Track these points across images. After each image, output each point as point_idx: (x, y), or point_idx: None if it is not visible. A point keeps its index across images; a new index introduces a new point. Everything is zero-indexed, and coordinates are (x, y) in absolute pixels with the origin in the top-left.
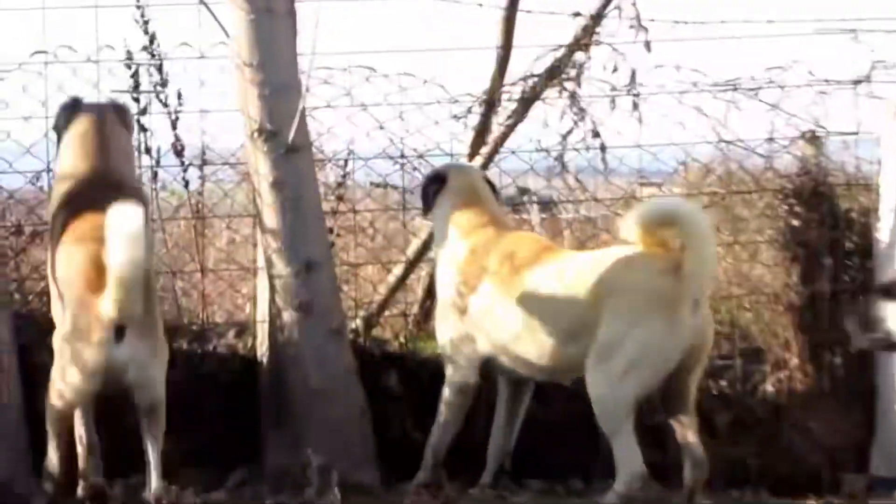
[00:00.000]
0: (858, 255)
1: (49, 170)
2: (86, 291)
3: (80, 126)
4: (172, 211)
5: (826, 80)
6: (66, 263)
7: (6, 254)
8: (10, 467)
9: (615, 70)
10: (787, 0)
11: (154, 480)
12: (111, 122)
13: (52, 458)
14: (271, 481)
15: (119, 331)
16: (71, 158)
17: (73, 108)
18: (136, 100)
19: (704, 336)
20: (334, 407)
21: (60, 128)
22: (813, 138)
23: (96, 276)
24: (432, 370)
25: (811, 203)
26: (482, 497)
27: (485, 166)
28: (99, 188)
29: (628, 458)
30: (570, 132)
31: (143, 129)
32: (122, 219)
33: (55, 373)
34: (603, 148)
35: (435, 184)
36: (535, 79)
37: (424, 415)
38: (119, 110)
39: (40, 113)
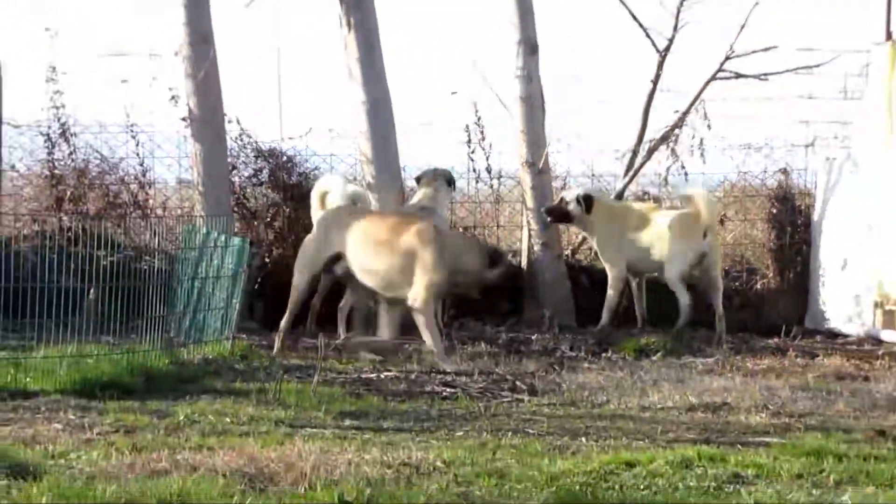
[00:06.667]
0: (803, 227)
1: None
2: None
3: None
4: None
5: (792, 144)
6: None
7: None
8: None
9: (693, 137)
10: None
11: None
12: None
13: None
14: (526, 325)
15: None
16: None
17: None
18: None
19: None
20: (557, 291)
21: None
22: (784, 171)
23: None
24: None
25: (783, 202)
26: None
27: (629, 182)
28: None
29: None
30: (669, 167)
31: (471, 159)
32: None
33: None
34: (686, 174)
35: None
36: (653, 141)
37: (600, 295)
38: None
39: None
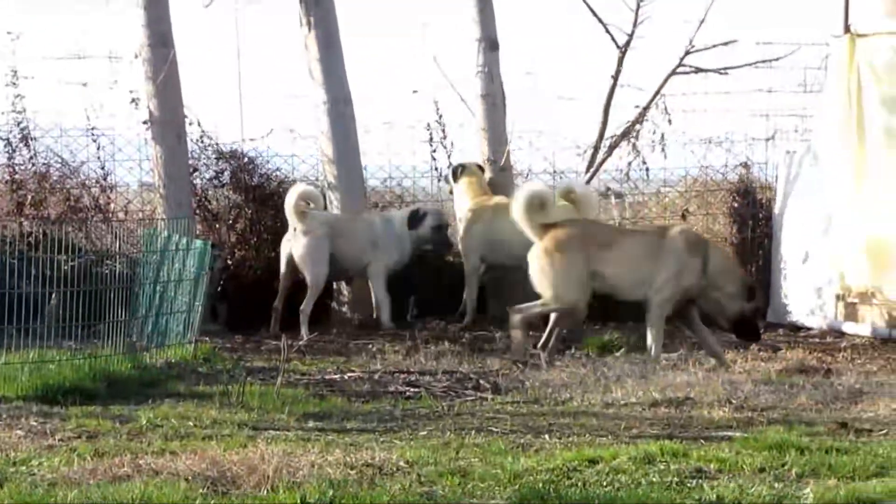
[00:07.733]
0: (765, 220)
1: None
2: None
3: None
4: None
5: (753, 138)
6: None
7: None
8: None
9: (654, 132)
10: None
11: None
12: None
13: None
14: (490, 323)
15: None
16: None
17: None
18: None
19: None
20: (519, 288)
21: None
22: (745, 165)
23: None
24: None
25: (744, 196)
26: None
27: (591, 178)
28: None
29: None
30: (630, 162)
31: (433, 158)
32: None
33: None
34: (647, 169)
35: None
36: (614, 137)
37: None
38: None
39: None
